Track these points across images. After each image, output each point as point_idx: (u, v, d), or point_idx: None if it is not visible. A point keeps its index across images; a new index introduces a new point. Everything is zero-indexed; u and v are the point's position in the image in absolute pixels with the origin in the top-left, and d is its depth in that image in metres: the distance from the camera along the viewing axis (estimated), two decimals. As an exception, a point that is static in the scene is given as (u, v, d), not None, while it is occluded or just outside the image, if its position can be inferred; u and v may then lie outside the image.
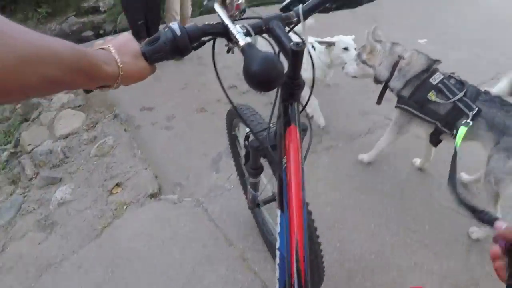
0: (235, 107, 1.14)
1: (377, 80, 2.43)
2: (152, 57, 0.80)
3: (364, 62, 2.44)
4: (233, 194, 2.47)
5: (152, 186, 2.54)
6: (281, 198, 0.98)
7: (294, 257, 0.86)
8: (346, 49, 2.79)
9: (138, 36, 3.64)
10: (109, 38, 0.81)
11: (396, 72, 2.29)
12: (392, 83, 2.32)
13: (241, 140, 1.70)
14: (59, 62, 0.55)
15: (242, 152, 1.68)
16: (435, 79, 2.16)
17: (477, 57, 4.89)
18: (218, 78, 0.99)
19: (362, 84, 3.67)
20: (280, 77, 0.75)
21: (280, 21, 0.94)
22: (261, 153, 1.29)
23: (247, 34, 0.86)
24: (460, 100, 2.05)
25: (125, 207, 2.42)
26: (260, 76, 0.73)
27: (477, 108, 1.99)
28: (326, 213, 2.34)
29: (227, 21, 0.85)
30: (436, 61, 2.25)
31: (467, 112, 2.00)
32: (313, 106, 2.99)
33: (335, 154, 2.79)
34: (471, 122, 1.94)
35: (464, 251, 2.19)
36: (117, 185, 2.56)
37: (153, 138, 3.05)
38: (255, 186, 1.54)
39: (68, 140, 3.04)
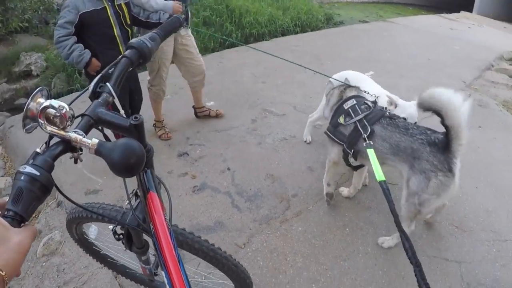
0: (86, 208, 1.26)
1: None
2: (29, 213, 0.73)
3: None
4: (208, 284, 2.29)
5: (113, 289, 2.31)
6: (160, 259, 1.10)
7: None
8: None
9: None
10: None
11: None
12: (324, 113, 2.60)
13: (94, 238, 1.90)
14: None
15: (110, 246, 1.87)
16: (348, 105, 2.37)
17: (425, 82, 5.10)
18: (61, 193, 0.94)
19: (320, 134, 3.67)
20: (141, 158, 0.82)
21: (102, 107, 0.97)
22: (142, 231, 1.27)
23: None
24: (360, 121, 2.23)
25: (85, 321, 2.18)
26: (124, 164, 0.80)
27: (369, 129, 2.17)
28: (312, 291, 2.20)
29: (65, 136, 0.85)
30: (349, 87, 2.54)
31: (363, 133, 2.18)
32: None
33: (307, 219, 2.67)
34: (371, 143, 2.10)
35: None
36: (73, 291, 2.31)
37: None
38: (147, 261, 1.55)
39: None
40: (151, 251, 1.54)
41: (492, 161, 3.46)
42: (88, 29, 2.75)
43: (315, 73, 5.23)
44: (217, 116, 3.99)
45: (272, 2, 8.43)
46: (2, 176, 3.41)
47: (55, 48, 6.35)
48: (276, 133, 3.72)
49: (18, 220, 0.71)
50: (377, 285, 2.23)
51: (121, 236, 1.32)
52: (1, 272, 0.61)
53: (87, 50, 2.76)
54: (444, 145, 1.95)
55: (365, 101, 2.37)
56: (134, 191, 1.22)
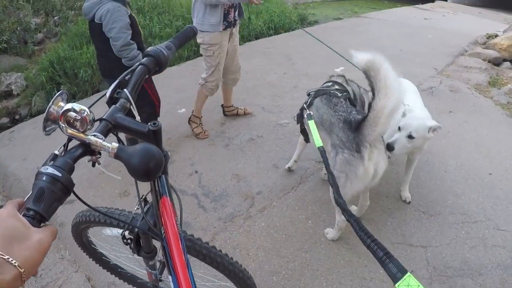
0: (99, 211, 1.21)
1: None
2: (49, 213, 0.74)
3: None
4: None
5: (86, 290, 2.38)
6: (168, 264, 1.11)
7: None
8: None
9: None
10: None
11: None
12: None
13: (96, 242, 1.85)
14: None
15: (112, 251, 1.87)
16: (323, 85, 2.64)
17: (398, 73, 5.16)
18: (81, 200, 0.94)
19: (287, 132, 3.73)
20: (160, 163, 0.84)
21: (120, 112, 0.98)
22: (152, 235, 1.28)
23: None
24: (309, 95, 2.50)
25: (60, 321, 2.23)
26: (143, 169, 0.81)
27: (309, 101, 2.44)
28: (273, 283, 2.23)
29: (85, 139, 0.86)
30: (339, 76, 2.77)
31: (304, 104, 2.47)
32: None
33: (271, 215, 2.72)
34: (311, 113, 2.31)
35: (427, 284, 2.20)
36: (49, 294, 2.39)
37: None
38: (154, 266, 1.55)
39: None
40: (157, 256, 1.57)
41: (462, 144, 3.53)
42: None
43: (284, 74, 5.33)
44: (245, 114, 4.13)
45: (245, 7, 8.51)
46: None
47: (34, 67, 6.39)
48: (243, 134, 3.77)
49: (39, 220, 0.72)
50: (339, 274, 2.27)
51: (129, 241, 1.32)
52: (20, 269, 0.61)
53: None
54: (357, 125, 1.99)
55: (338, 85, 2.57)
56: (143, 196, 1.23)
